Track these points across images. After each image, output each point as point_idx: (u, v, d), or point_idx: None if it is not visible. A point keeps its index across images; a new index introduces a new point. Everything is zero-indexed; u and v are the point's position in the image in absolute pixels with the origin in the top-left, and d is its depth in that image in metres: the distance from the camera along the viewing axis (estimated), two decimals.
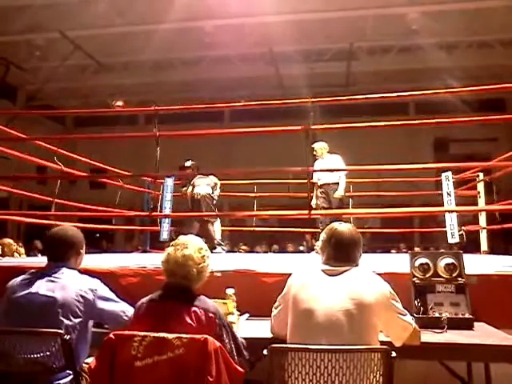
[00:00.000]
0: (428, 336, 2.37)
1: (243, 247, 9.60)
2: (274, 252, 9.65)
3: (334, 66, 12.59)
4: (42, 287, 2.17)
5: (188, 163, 6.51)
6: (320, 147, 5.98)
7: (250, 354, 2.16)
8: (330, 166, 5.81)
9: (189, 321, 2.00)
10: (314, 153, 5.98)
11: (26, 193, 5.95)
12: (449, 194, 5.14)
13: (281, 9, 9.78)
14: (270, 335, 2.35)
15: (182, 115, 13.29)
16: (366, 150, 12.00)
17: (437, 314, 2.59)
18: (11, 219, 6.65)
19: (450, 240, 5.10)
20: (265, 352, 1.88)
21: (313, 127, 4.19)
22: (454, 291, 2.68)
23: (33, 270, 2.32)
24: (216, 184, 6.42)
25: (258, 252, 9.22)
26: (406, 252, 3.91)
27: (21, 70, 12.89)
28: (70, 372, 2.07)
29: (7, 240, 6.29)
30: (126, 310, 2.31)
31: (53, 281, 2.19)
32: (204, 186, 6.32)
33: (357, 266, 2.19)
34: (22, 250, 6.82)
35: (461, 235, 5.16)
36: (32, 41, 11.59)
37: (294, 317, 2.10)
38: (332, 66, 12.56)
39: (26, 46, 11.90)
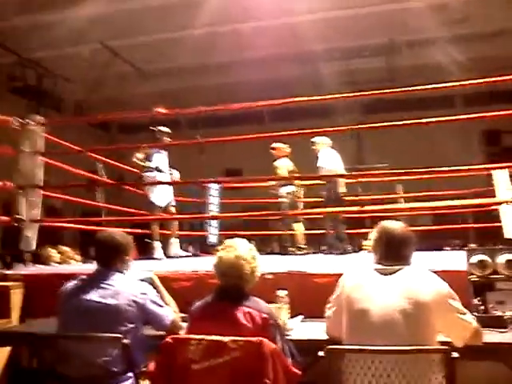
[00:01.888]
0: (491, 336, 2.29)
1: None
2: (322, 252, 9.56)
3: (374, 62, 12.38)
4: (94, 294, 2.22)
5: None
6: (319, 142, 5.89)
7: (303, 356, 2.15)
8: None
9: (244, 321, 2.02)
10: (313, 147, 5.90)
11: (78, 200, 6.15)
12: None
13: (317, 7, 9.72)
14: (325, 337, 2.32)
15: (223, 119, 13.40)
16: (412, 145, 11.74)
17: (499, 313, 2.49)
18: (65, 226, 6.88)
19: (508, 235, 4.90)
20: (320, 353, 1.86)
21: (358, 126, 4.11)
22: None
23: (83, 276, 2.38)
24: None
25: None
26: (460, 249, 3.79)
27: (67, 82, 13.37)
28: (131, 375, 2.12)
29: (64, 248, 6.50)
30: (168, 314, 2.35)
31: (104, 287, 2.24)
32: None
33: (409, 264, 2.14)
34: (79, 258, 7.02)
35: None
36: (77, 53, 11.97)
37: (348, 317, 2.07)
38: (371, 61, 12.36)
39: (71, 58, 12.30)
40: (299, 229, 6.03)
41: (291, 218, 6.02)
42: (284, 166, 6.06)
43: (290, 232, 6.07)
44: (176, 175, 5.70)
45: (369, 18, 10.48)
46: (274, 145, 6.19)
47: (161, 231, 5.49)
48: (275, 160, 6.17)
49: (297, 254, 5.82)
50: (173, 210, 5.60)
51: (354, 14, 10.32)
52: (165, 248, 5.45)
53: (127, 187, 6.63)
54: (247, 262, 2.17)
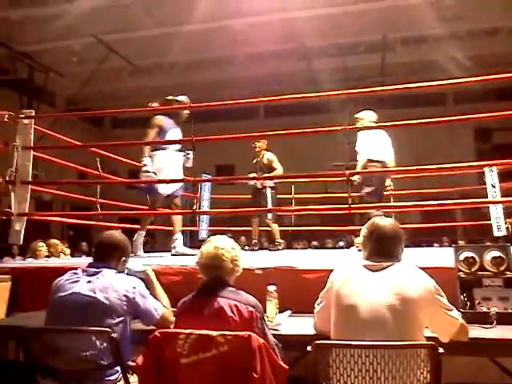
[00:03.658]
0: (476, 331, 2.31)
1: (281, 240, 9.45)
2: (313, 248, 9.61)
3: (368, 59, 12.41)
4: (83, 287, 2.22)
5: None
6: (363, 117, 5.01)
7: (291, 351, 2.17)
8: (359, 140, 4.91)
9: (230, 314, 2.03)
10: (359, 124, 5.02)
11: (68, 194, 6.13)
12: (493, 186, 4.97)
13: (311, 3, 9.73)
14: (313, 332, 2.34)
15: (217, 114, 13.38)
16: (405, 142, 11.76)
17: (485, 309, 2.51)
18: (54, 220, 6.84)
19: (496, 233, 4.91)
20: (309, 348, 1.87)
21: (351, 127, 4.09)
22: (503, 285, 2.58)
23: (74, 270, 2.38)
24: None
25: (296, 248, 9.18)
26: (449, 246, 3.80)
27: (59, 76, 13.28)
28: (118, 369, 2.13)
29: (53, 241, 6.47)
30: (157, 307, 2.36)
31: (94, 281, 2.25)
32: None
33: (399, 261, 2.16)
34: (68, 251, 7.00)
35: (507, 228, 4.97)
36: (69, 47, 11.89)
37: (337, 312, 2.09)
38: (366, 58, 12.38)
39: (63, 53, 12.22)
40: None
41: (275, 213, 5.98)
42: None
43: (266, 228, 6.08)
44: (191, 156, 4.91)
45: (363, 15, 10.49)
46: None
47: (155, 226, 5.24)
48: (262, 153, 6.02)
49: (278, 250, 5.81)
50: (177, 201, 4.79)
51: (347, 10, 10.33)
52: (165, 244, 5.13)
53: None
54: (226, 251, 2.21)
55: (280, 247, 5.86)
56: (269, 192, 5.84)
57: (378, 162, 4.85)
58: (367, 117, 5.00)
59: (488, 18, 10.37)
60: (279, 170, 5.88)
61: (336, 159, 7.91)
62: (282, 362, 1.99)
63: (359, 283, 2.06)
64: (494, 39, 11.27)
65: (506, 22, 10.85)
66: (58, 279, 2.35)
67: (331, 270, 2.26)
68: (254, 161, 6.10)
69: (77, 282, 2.26)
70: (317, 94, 4.45)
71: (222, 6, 9.72)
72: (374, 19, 10.62)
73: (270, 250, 5.99)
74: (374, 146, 4.86)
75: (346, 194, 3.70)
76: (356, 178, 4.72)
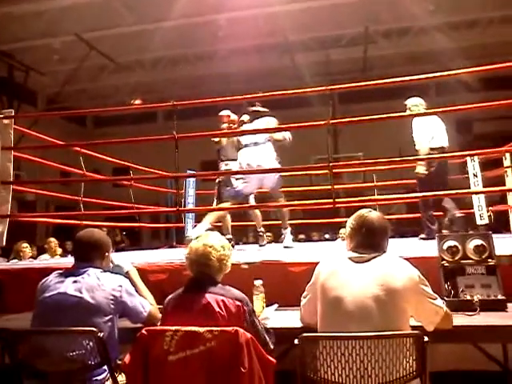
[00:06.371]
0: (460, 319, 2.34)
1: (268, 234, 9.34)
2: (299, 241, 9.63)
3: (351, 52, 12.43)
4: (69, 287, 2.21)
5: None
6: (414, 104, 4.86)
7: (278, 344, 2.17)
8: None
9: (218, 310, 2.03)
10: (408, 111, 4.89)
11: (51, 193, 6.06)
12: (475, 176, 5.04)
13: None
14: (299, 325, 2.35)
15: (200, 109, 13.31)
16: (387, 134, 11.85)
17: (468, 297, 2.55)
18: (39, 221, 6.77)
19: (479, 221, 4.99)
20: (296, 341, 1.88)
21: (334, 121, 4.08)
22: (485, 273, 2.63)
23: (60, 271, 2.37)
24: None
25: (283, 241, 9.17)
26: None
27: (40, 75, 13.11)
28: (106, 368, 2.12)
29: (52, 239, 6.39)
30: (144, 305, 2.36)
31: (80, 281, 2.24)
32: None
33: (384, 252, 2.17)
34: (60, 251, 6.92)
35: (489, 216, 5.04)
36: (49, 45, 11.72)
37: (323, 305, 2.10)
38: (348, 51, 12.40)
39: (43, 51, 12.05)
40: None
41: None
42: None
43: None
44: (272, 122, 4.64)
45: (345, 8, 10.48)
46: (228, 113, 5.30)
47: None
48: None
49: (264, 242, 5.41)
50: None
51: (330, 3, 10.32)
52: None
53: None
54: (214, 249, 2.21)
55: (265, 237, 5.43)
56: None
57: (438, 148, 4.71)
58: (421, 103, 4.88)
59: (468, 9, 10.44)
60: None
61: (320, 153, 7.92)
62: (269, 356, 1.99)
63: (345, 275, 2.08)
64: (476, 31, 11.36)
65: (487, 13, 10.92)
66: (44, 280, 2.33)
67: (317, 263, 2.27)
68: (217, 139, 5.40)
69: (62, 282, 2.25)
70: (294, 91, 4.32)
71: (204, 1, 9.66)
72: (356, 12, 10.63)
73: (260, 245, 5.46)
74: (432, 133, 4.75)
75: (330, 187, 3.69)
76: (421, 170, 4.58)
